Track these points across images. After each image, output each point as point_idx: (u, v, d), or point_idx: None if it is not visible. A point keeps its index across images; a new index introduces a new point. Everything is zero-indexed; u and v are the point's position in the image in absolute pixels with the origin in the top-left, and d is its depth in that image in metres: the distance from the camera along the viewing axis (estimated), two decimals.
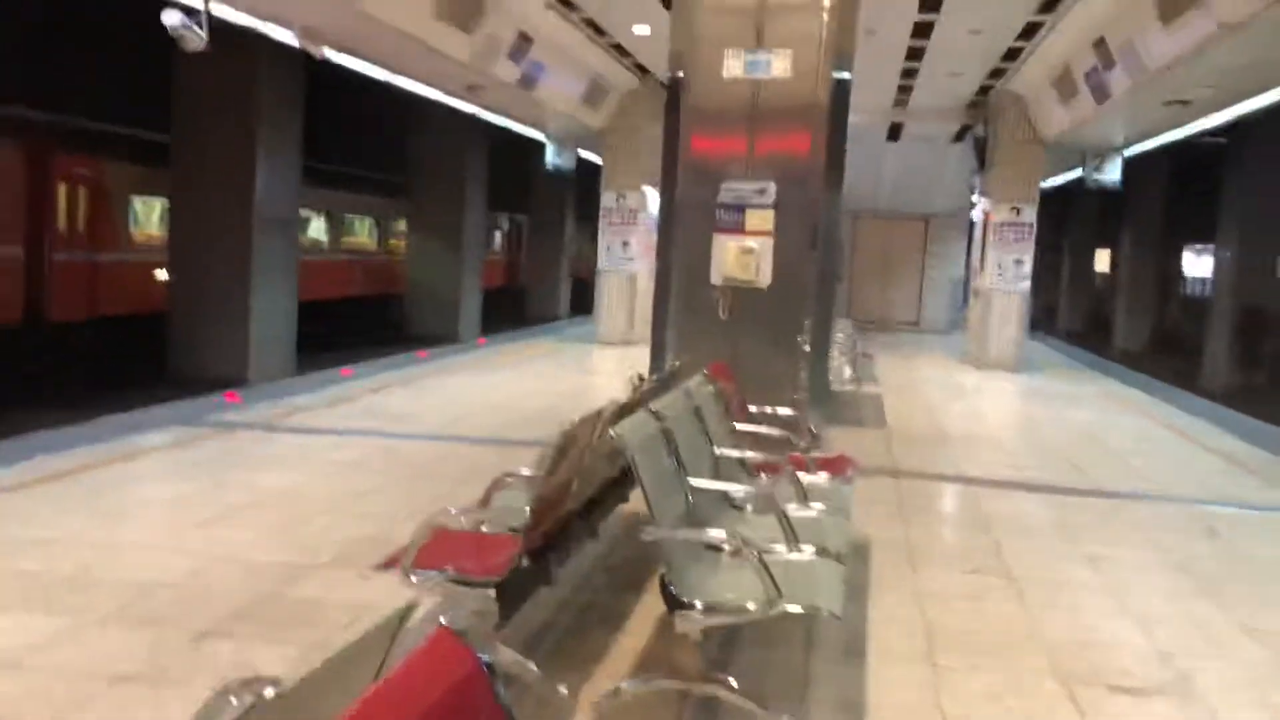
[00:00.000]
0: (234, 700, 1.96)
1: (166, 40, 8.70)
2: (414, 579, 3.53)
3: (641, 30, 12.86)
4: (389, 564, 3.84)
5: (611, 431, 3.76)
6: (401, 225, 23.67)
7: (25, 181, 14.21)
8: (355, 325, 21.13)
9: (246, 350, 14.31)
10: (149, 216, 16.55)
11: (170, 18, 8.50)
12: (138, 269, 16.07)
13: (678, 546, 3.51)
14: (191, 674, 3.65)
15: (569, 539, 4.25)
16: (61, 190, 14.91)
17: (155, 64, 14.23)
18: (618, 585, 4.87)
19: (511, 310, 27.79)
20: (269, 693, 1.64)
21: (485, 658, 1.90)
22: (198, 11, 8.75)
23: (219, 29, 8.93)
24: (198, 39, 8.70)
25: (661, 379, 5.68)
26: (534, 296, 29.10)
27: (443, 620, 1.96)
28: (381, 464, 7.11)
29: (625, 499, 5.06)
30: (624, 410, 4.47)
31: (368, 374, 11.71)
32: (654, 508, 3.53)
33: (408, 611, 2.20)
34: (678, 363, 6.39)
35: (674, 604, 3.35)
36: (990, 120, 15.64)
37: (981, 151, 16.20)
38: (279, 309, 15.09)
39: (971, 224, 17.75)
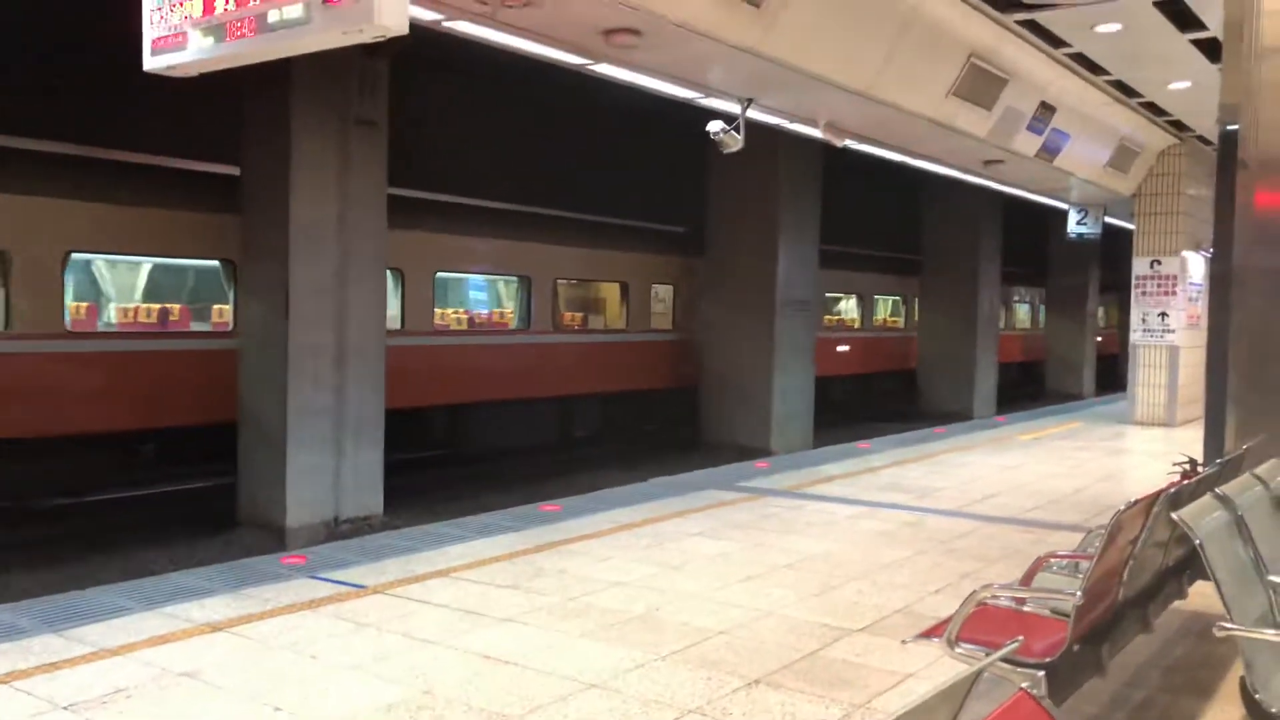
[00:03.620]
0: None
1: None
2: (958, 651, 3.56)
3: (1179, 86, 11.86)
4: (929, 634, 3.91)
5: (1175, 516, 3.51)
6: (902, 299, 23.77)
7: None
8: (866, 399, 21.56)
9: (769, 422, 15.32)
10: (835, 308, 21.75)
11: (713, 125, 9.55)
12: (828, 345, 19.85)
13: (1263, 649, 3.16)
14: (749, 717, 4.00)
15: (1120, 629, 4.00)
16: None
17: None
18: (1176, 686, 4.45)
19: (1030, 387, 26.53)
20: None
21: None
22: (735, 117, 9.75)
23: (750, 130, 9.86)
24: (735, 141, 9.66)
25: (1223, 464, 5.13)
26: (1054, 372, 27.53)
27: (1024, 685, 2.01)
28: (907, 536, 7.20)
29: (1182, 594, 4.64)
30: (1183, 496, 4.13)
31: (884, 448, 11.91)
32: (1229, 604, 3.22)
33: (976, 676, 2.28)
34: (1245, 446, 5.72)
35: (1259, 714, 3.02)
36: None
37: None
38: (799, 385, 15.97)
39: None
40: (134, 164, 11.01)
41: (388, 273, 12.26)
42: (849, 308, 22.48)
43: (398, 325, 12.63)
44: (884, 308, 23.43)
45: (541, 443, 15.18)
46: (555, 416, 15.51)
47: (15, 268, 9.69)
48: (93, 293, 11.12)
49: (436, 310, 13.56)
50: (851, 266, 21.89)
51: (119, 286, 11.60)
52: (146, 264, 11.53)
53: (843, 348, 21.35)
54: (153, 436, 10.95)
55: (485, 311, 15.04)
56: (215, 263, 11.21)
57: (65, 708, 3.97)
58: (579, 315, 16.11)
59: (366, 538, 7.37)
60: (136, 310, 11.36)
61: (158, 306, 11.44)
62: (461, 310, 14.66)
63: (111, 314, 11.30)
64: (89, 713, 3.93)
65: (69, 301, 10.29)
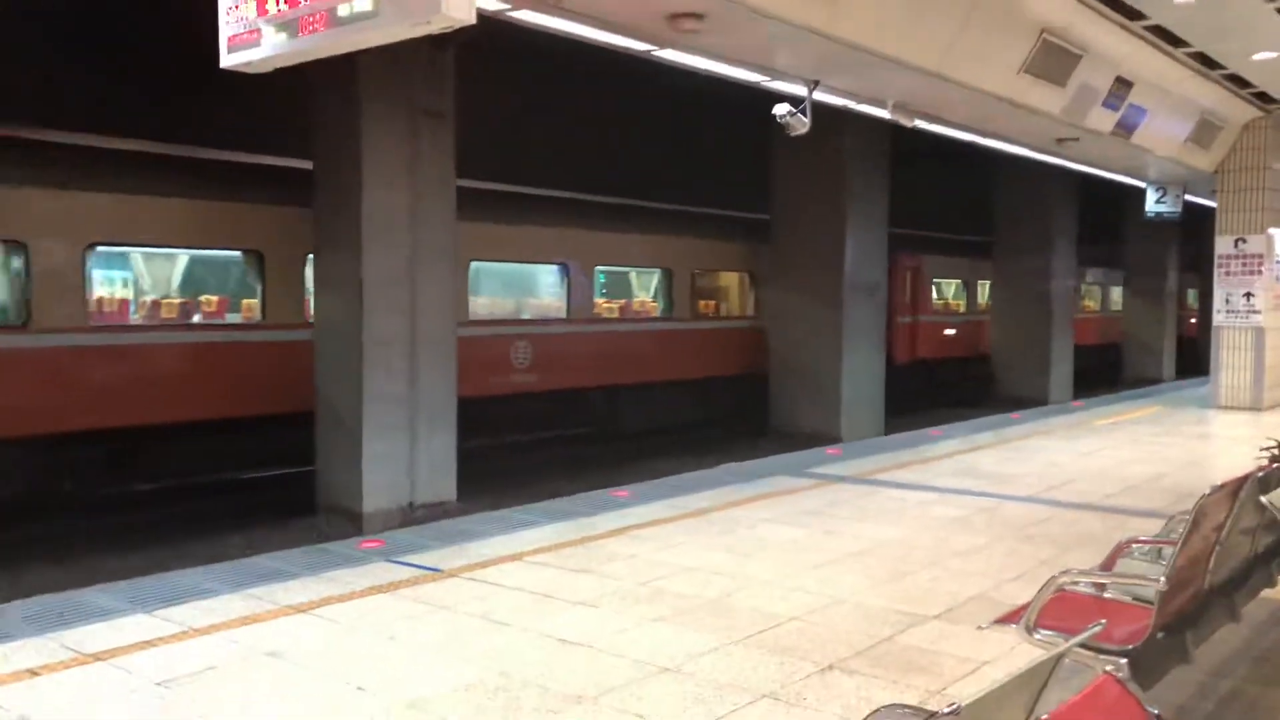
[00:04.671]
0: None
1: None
2: (1036, 637, 3.51)
3: (1265, 56, 11.42)
4: (1005, 620, 3.85)
5: (1264, 500, 3.41)
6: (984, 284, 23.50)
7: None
8: (939, 385, 21.31)
9: (838, 409, 15.18)
10: (943, 292, 22.28)
11: (779, 109, 9.46)
12: (937, 328, 21.63)
13: None
14: (823, 702, 3.99)
15: (1206, 617, 3.90)
16: (906, 277, 20.43)
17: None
18: (1266, 677, 4.32)
19: (1107, 371, 25.88)
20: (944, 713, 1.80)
21: (1154, 710, 1.87)
22: (802, 99, 9.65)
23: (815, 112, 9.74)
24: (802, 124, 9.55)
25: None
26: (1132, 356, 26.81)
27: (1108, 668, 1.97)
28: (982, 523, 7.10)
29: (1272, 582, 4.50)
30: (1271, 480, 4.01)
31: (958, 434, 11.74)
32: None
33: (1056, 661, 2.24)
34: None
35: None
36: None
37: None
38: (869, 370, 15.79)
39: None
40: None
41: (554, 267, 14.30)
42: (954, 293, 22.84)
43: (563, 315, 14.22)
44: (984, 292, 23.37)
45: (683, 422, 16.32)
46: (694, 398, 16.55)
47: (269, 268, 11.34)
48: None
49: (596, 300, 15.01)
50: (955, 252, 22.20)
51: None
52: None
53: (949, 331, 22.09)
54: None
55: (634, 301, 16.26)
56: None
57: (159, 683, 4.12)
58: (712, 303, 17.18)
59: (441, 523, 7.50)
60: None
61: None
62: (614, 300, 15.85)
63: None
64: (181, 689, 4.07)
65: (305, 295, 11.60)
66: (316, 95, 10.19)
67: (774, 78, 9.06)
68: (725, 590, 5.47)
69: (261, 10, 5.10)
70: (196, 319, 11.05)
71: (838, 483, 8.68)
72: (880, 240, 16.26)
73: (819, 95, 9.42)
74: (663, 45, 7.76)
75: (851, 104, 10.34)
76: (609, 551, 6.30)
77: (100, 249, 10.15)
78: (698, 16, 7.07)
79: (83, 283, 9.85)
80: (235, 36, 5.36)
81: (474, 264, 13.13)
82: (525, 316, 14.24)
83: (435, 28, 4.63)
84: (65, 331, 9.63)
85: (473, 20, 4.56)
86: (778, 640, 4.69)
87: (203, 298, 11.31)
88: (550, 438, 14.72)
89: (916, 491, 8.29)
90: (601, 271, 15.23)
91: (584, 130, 16.51)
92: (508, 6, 6.58)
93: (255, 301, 11.31)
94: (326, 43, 4.98)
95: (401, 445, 10.02)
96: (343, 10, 4.80)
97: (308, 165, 10.78)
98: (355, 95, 9.68)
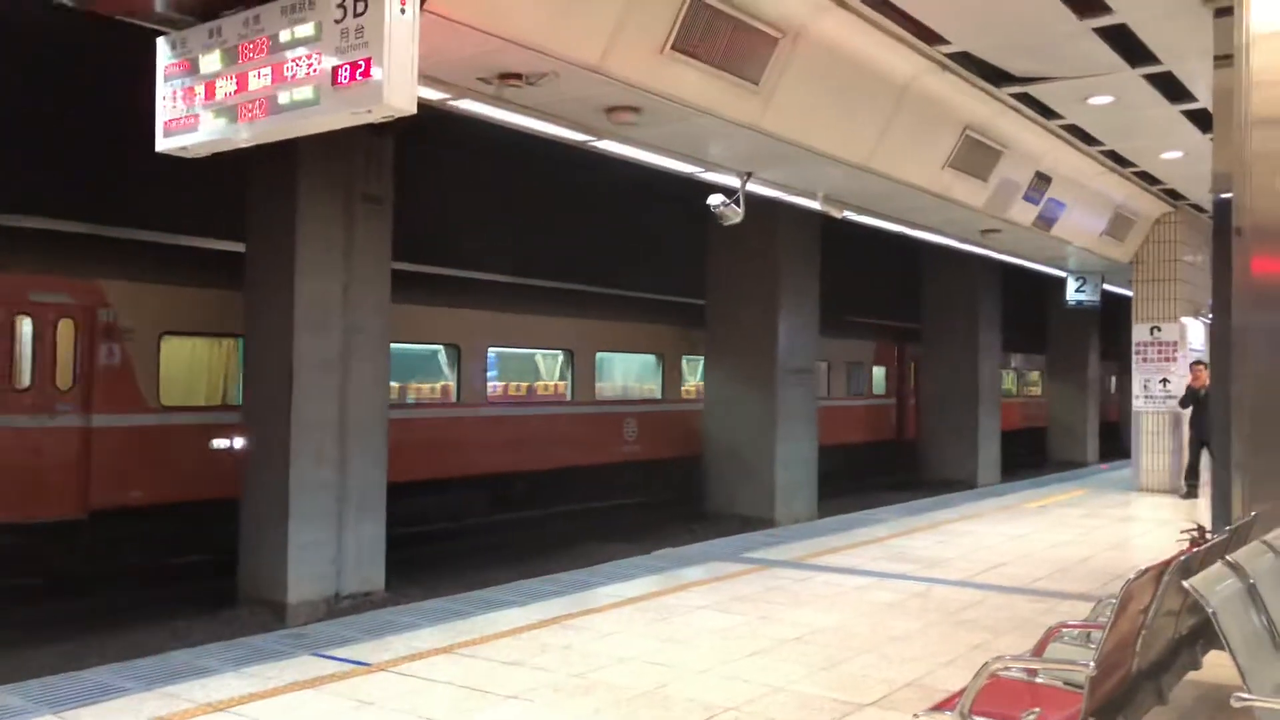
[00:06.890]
0: None
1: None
2: None
3: (1171, 155, 12.05)
4: (941, 707, 3.85)
5: (1186, 584, 3.48)
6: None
7: (896, 361, 23.43)
8: (870, 468, 21.57)
9: (772, 492, 15.25)
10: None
11: (713, 199, 9.68)
12: None
13: None
14: None
15: (1135, 701, 3.94)
16: (910, 367, 23.69)
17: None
18: None
19: (1033, 454, 26.45)
20: None
21: None
22: (735, 190, 9.89)
23: (749, 202, 9.97)
24: (735, 214, 9.78)
25: (1232, 531, 5.10)
26: (1056, 439, 27.47)
27: None
28: (916, 608, 7.12)
29: (1196, 664, 4.58)
30: (1193, 564, 4.10)
31: (890, 517, 11.84)
32: (1246, 673, 3.18)
33: None
34: (1253, 512, 5.69)
35: None
36: None
37: None
38: (802, 454, 15.93)
39: None
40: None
41: (652, 356, 17.18)
42: None
43: (658, 396, 17.11)
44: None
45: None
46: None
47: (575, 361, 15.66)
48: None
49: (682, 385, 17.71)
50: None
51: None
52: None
53: None
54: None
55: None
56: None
57: None
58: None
59: (368, 614, 7.28)
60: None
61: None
62: (693, 384, 18.07)
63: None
64: None
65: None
66: (252, 176, 10.17)
67: (708, 169, 9.29)
68: (660, 681, 5.38)
69: (210, 94, 5.10)
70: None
71: (773, 567, 8.67)
72: (812, 326, 16.57)
73: (752, 186, 9.67)
74: (600, 136, 7.93)
75: (784, 195, 10.62)
76: (541, 642, 6.17)
77: (493, 349, 14.61)
78: (634, 110, 7.26)
79: (485, 373, 14.32)
80: (172, 121, 5.35)
81: (598, 355, 16.09)
82: (633, 398, 17.10)
83: (376, 117, 4.68)
84: (474, 406, 13.80)
85: (413, 110, 4.63)
86: None
87: (541, 383, 15.64)
88: (644, 503, 16.87)
89: (851, 576, 8.30)
90: (686, 359, 17.81)
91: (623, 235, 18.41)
92: (449, 96, 6.69)
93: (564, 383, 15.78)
94: (266, 130, 4.99)
95: (329, 533, 9.79)
96: (283, 97, 4.83)
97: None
98: (292, 178, 9.68)
